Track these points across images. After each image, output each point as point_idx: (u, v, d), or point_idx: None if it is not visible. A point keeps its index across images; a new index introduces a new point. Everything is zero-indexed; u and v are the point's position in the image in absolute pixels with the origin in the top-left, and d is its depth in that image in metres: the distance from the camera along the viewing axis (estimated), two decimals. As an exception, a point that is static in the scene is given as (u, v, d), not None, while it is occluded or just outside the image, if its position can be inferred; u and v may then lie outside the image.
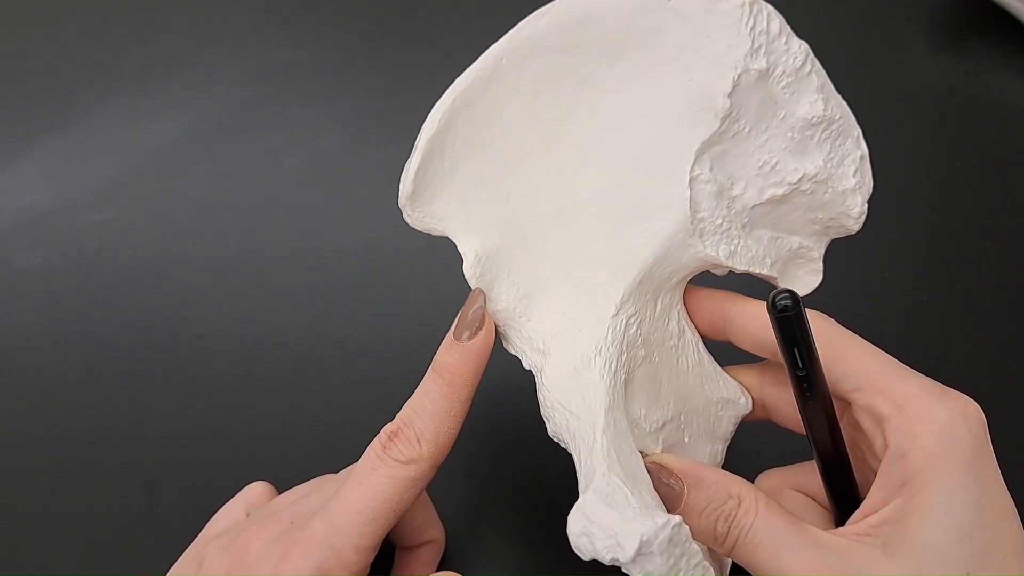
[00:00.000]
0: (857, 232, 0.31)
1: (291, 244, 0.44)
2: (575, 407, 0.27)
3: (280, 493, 0.33)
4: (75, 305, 0.42)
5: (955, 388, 0.26)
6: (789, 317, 0.25)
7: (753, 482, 0.30)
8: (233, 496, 0.34)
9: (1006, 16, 0.52)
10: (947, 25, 0.52)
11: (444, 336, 0.29)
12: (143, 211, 0.45)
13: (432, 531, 0.33)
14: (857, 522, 0.25)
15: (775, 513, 0.25)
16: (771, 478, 0.30)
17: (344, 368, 0.40)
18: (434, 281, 0.42)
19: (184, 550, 0.31)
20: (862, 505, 0.26)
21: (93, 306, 0.42)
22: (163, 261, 0.43)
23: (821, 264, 0.32)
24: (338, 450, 0.37)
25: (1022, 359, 0.40)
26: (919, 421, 0.25)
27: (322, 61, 0.51)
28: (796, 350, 0.25)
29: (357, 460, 0.29)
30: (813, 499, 0.30)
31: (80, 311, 0.42)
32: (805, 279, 0.32)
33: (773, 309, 0.25)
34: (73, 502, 0.36)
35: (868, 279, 0.42)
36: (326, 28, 0.53)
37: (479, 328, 0.28)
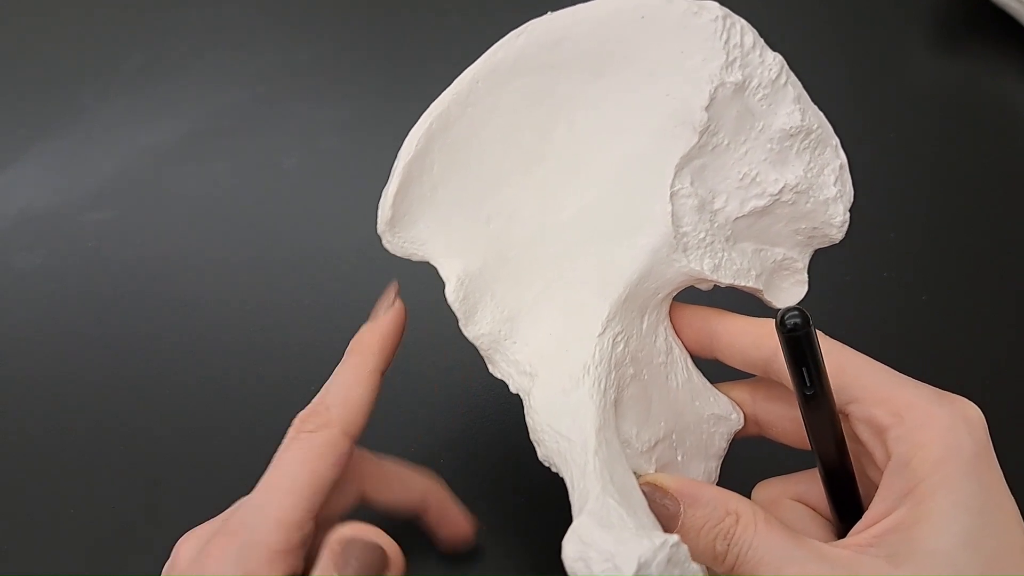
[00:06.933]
0: (841, 240, 0.31)
1: (291, 244, 0.44)
2: (565, 429, 0.27)
3: None
4: (75, 305, 0.42)
5: (956, 389, 0.26)
6: (799, 336, 0.24)
7: (751, 491, 0.30)
8: (237, 496, 0.34)
9: (1006, 17, 0.52)
10: (947, 26, 0.52)
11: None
12: (143, 211, 0.45)
13: (413, 494, 0.31)
14: (860, 533, 0.25)
15: (775, 528, 0.25)
16: (770, 488, 0.30)
17: (344, 368, 0.40)
18: (434, 280, 0.42)
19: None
20: (865, 516, 0.25)
21: (93, 306, 0.42)
22: (163, 261, 0.43)
23: (806, 275, 0.32)
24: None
25: (1023, 360, 0.40)
26: (920, 429, 0.24)
27: (322, 61, 0.51)
28: (805, 370, 0.25)
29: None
30: (814, 509, 0.29)
31: (80, 311, 0.42)
32: (790, 290, 0.32)
33: (782, 328, 0.24)
34: (74, 502, 0.36)
35: (867, 280, 0.42)
36: (326, 28, 0.53)
37: (390, 308, 0.30)
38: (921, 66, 0.51)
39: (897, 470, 0.25)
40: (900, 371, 0.27)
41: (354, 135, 0.48)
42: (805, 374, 0.25)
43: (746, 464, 0.31)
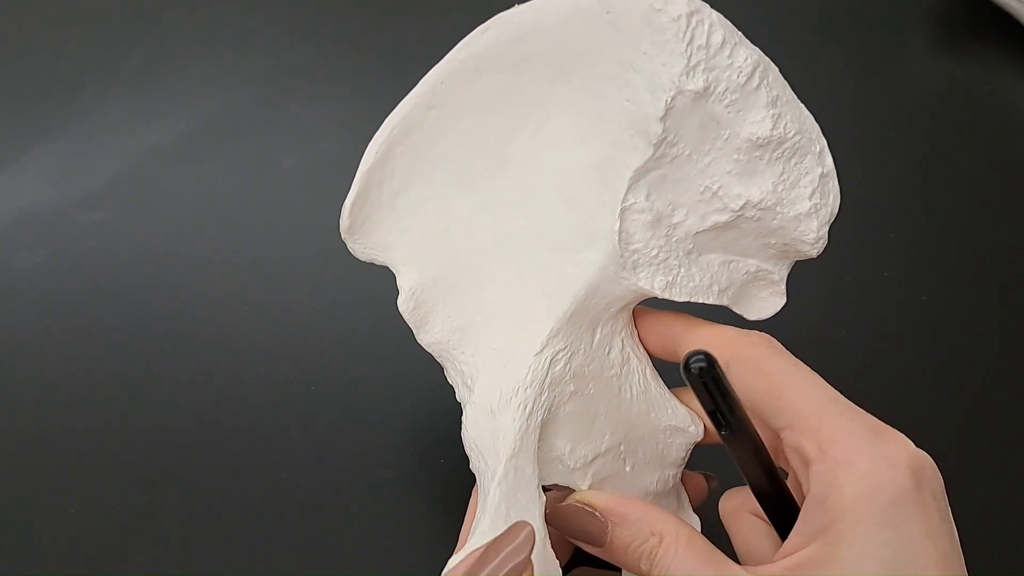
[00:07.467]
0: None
1: (291, 244, 0.44)
2: (485, 450, 0.27)
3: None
4: (75, 305, 0.42)
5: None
6: (705, 381, 0.24)
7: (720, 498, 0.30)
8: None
9: (1006, 16, 0.52)
10: (947, 25, 0.52)
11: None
12: (143, 211, 0.45)
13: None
14: (775, 562, 0.25)
15: (696, 551, 0.25)
16: (733, 499, 0.30)
17: (344, 367, 0.40)
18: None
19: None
20: (783, 545, 0.25)
21: (93, 306, 0.42)
22: (163, 261, 0.43)
23: (783, 286, 0.30)
24: (338, 449, 0.37)
25: (1022, 359, 0.40)
26: (840, 469, 0.24)
27: (322, 61, 0.51)
28: (718, 412, 0.24)
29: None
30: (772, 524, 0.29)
31: (80, 311, 0.42)
32: (768, 301, 0.30)
33: (687, 372, 0.23)
34: (72, 502, 0.36)
35: (867, 280, 0.42)
36: (326, 28, 0.53)
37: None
38: (921, 66, 0.51)
39: (812, 506, 0.25)
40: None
41: (354, 135, 0.48)
42: (719, 416, 0.24)
43: (721, 469, 0.31)
